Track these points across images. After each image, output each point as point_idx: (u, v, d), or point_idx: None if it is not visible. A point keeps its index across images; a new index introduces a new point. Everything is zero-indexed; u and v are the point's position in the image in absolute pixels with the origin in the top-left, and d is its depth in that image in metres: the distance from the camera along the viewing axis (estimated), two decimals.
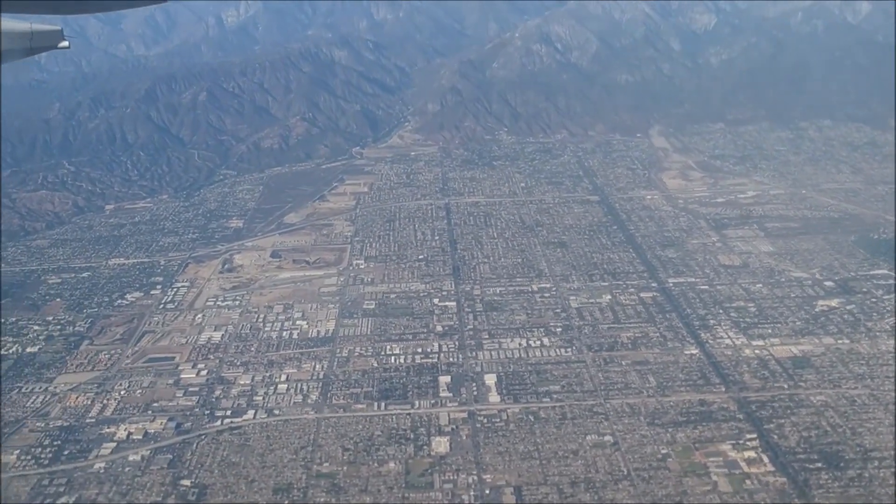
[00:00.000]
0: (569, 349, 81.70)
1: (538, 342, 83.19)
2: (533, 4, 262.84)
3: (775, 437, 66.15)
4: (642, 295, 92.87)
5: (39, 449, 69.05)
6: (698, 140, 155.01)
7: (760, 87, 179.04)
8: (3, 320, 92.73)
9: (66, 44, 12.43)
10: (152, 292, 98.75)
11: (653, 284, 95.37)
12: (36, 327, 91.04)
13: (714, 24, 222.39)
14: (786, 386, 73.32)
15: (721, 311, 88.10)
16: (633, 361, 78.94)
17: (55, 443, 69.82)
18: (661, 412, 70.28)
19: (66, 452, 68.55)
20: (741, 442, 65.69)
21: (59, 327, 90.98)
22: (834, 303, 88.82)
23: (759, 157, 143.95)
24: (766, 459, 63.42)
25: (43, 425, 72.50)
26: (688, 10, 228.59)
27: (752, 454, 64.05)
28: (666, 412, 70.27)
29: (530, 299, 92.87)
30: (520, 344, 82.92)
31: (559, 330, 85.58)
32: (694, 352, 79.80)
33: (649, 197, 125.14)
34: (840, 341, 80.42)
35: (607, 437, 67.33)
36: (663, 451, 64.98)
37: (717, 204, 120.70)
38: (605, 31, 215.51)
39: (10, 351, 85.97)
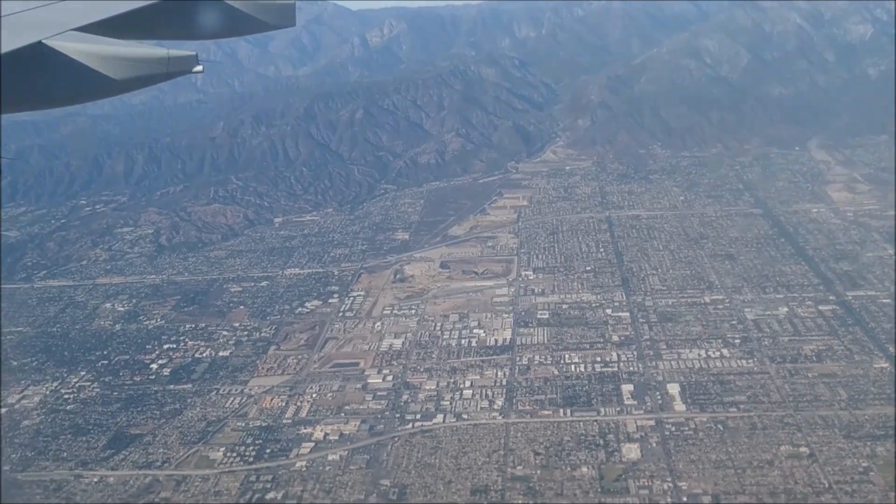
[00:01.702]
0: (750, 360, 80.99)
1: (717, 353, 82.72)
2: (677, 20, 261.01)
3: None
4: (821, 308, 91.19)
5: (243, 447, 72.55)
6: (861, 153, 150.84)
7: None
8: (194, 325, 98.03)
9: (200, 68, 12.66)
10: (330, 301, 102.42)
11: (830, 297, 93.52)
12: (224, 332, 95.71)
13: (870, 35, 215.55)
14: None
15: None
16: (819, 374, 77.68)
17: (256, 441, 73.26)
18: (857, 425, 68.97)
19: (268, 451, 71.86)
20: None
21: (245, 333, 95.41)
22: None
23: None
24: None
25: (243, 425, 76.18)
26: (842, 20, 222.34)
27: None
28: (861, 425, 68.91)
29: (704, 311, 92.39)
30: (699, 354, 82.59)
31: (738, 341, 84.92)
32: (884, 365, 77.91)
33: (815, 210, 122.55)
34: None
35: (802, 449, 66.50)
36: (864, 465, 63.76)
37: (889, 217, 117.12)
38: (756, 43, 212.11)
39: (204, 354, 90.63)
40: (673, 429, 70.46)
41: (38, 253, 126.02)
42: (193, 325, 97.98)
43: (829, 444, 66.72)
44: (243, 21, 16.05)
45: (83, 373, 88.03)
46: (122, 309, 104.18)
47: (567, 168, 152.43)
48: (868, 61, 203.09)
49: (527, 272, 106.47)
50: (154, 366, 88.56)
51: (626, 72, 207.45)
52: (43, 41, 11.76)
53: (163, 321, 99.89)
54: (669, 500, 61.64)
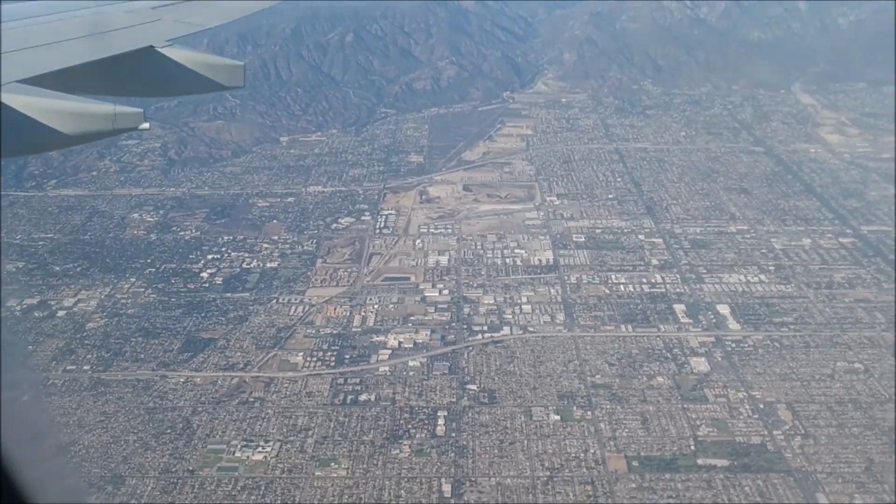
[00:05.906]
0: (788, 286, 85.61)
1: (756, 278, 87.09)
2: None
3: None
4: (841, 240, 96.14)
5: (320, 352, 74.52)
6: (843, 98, 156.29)
7: None
8: (231, 238, 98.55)
9: (146, 125, 12.88)
10: (363, 218, 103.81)
11: (847, 231, 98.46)
12: (266, 245, 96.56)
13: None
14: None
15: None
16: (854, 299, 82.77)
17: (332, 348, 75.25)
18: None
19: (347, 357, 73.95)
20: None
21: (287, 246, 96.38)
22: None
23: None
24: None
25: (314, 332, 77.98)
26: None
27: None
28: None
29: (732, 239, 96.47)
30: (739, 279, 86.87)
31: (772, 268, 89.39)
32: None
33: (813, 150, 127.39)
34: None
35: (857, 365, 71.46)
36: None
37: (883, 159, 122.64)
38: None
39: (252, 265, 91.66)
40: (733, 345, 74.74)
41: (41, 162, 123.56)
42: (231, 238, 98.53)
43: (880, 362, 71.84)
44: (194, 81, 16.49)
45: (133, 279, 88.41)
46: (151, 220, 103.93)
47: (563, 100, 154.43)
48: (837, 11, 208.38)
49: (551, 198, 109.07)
50: (204, 275, 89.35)
51: (606, 9, 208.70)
52: None
53: (198, 232, 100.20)
54: (748, 407, 65.89)
